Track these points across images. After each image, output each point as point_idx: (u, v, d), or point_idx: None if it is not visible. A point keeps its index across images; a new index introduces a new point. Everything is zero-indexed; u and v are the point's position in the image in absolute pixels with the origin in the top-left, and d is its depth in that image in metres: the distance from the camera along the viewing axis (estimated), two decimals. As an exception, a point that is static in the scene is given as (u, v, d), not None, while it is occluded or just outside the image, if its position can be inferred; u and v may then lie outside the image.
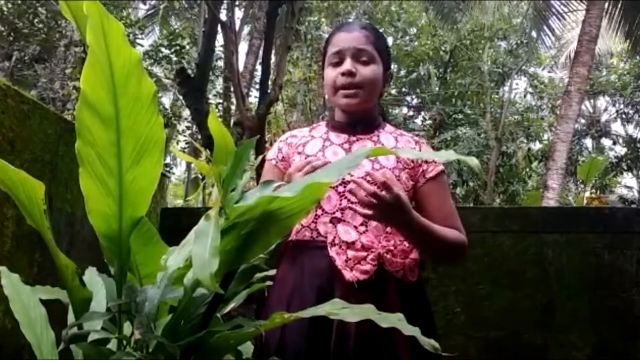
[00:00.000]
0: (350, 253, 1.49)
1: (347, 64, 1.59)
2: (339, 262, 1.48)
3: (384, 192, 1.40)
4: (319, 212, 1.54)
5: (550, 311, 3.16)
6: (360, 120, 1.67)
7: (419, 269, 1.62)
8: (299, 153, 1.65)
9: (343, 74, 1.59)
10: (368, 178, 1.44)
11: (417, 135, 1.79)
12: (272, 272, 1.60)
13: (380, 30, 1.80)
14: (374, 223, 1.52)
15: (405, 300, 1.50)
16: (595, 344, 3.09)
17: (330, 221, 1.53)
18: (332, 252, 1.50)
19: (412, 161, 1.61)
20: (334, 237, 1.51)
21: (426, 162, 1.62)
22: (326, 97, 1.75)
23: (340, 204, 1.54)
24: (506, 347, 3.12)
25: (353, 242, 1.49)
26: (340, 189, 1.54)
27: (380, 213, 1.41)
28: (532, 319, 3.15)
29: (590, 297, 3.15)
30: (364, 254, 1.49)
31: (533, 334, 3.13)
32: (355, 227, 1.51)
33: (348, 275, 1.46)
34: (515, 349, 3.12)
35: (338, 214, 1.53)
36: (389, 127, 1.72)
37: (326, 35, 1.80)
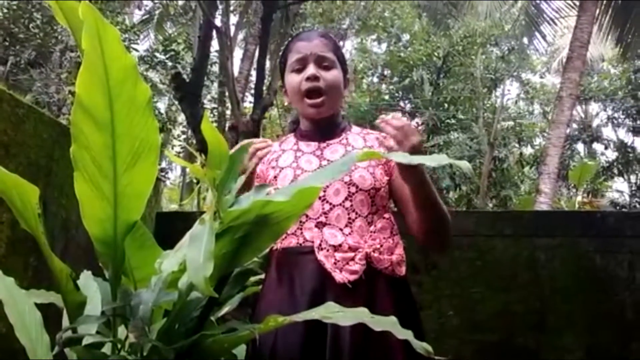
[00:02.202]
0: (338, 255, 1.50)
1: (311, 69, 1.64)
2: (328, 265, 1.49)
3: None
4: (303, 218, 1.56)
5: (543, 314, 3.17)
6: (327, 126, 1.71)
7: (411, 271, 1.63)
8: (273, 168, 1.68)
9: (308, 79, 1.63)
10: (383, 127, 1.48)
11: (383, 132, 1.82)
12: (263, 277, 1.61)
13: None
14: (358, 224, 1.54)
15: (395, 296, 1.52)
16: (588, 347, 3.10)
17: (316, 226, 1.54)
18: (320, 256, 1.51)
19: None
20: (321, 241, 1.52)
21: None
22: (286, 102, 1.78)
23: (322, 209, 1.55)
24: (499, 350, 3.13)
25: (340, 245, 1.51)
26: (321, 193, 1.56)
27: (406, 142, 1.44)
28: (525, 322, 3.17)
29: (582, 300, 3.17)
30: (352, 254, 1.51)
31: (526, 337, 3.15)
32: (341, 229, 1.53)
33: (338, 277, 1.47)
34: (509, 352, 3.13)
35: (322, 218, 1.55)
36: (355, 128, 1.76)
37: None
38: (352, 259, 1.51)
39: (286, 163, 1.65)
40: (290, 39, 1.80)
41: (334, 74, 1.66)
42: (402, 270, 1.59)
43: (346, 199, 1.55)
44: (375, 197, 1.58)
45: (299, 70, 1.66)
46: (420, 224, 1.57)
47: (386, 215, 1.61)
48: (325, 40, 1.69)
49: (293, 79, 1.67)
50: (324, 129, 1.70)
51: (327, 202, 1.55)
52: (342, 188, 1.56)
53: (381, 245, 1.54)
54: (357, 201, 1.55)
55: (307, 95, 1.64)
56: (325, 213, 1.54)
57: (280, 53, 1.80)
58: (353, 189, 1.56)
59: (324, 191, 1.56)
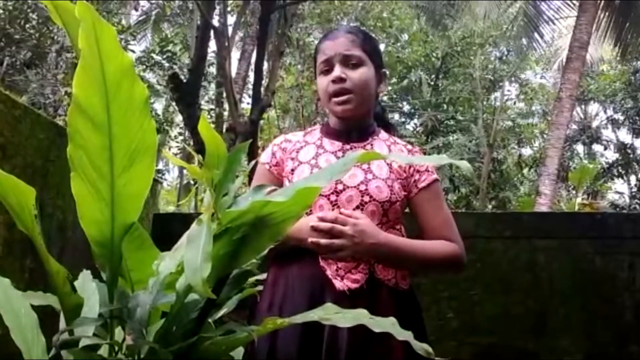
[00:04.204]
0: (341, 263, 1.48)
1: (337, 71, 1.60)
2: (330, 271, 1.47)
3: (341, 227, 1.42)
4: None
5: (542, 317, 3.16)
6: (355, 128, 1.67)
7: (411, 276, 1.62)
8: (292, 159, 1.64)
9: (333, 81, 1.60)
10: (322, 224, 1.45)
11: (410, 143, 1.79)
12: (264, 276, 1.60)
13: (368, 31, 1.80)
14: None
15: (398, 308, 1.48)
16: (587, 350, 3.10)
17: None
18: (323, 262, 1.49)
19: (405, 171, 1.61)
20: None
21: (419, 171, 1.61)
22: (321, 104, 1.77)
23: None
24: (498, 353, 3.12)
25: None
26: (333, 198, 1.54)
27: (348, 246, 1.42)
28: (524, 325, 3.16)
29: (582, 303, 3.16)
30: (355, 263, 1.49)
31: (525, 340, 3.14)
32: None
33: (338, 284, 1.46)
34: (508, 354, 3.12)
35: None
36: (383, 134, 1.71)
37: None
38: (355, 267, 1.49)
39: (306, 158, 1.62)
40: (320, 38, 1.77)
41: (361, 72, 1.61)
42: (406, 283, 1.57)
43: (357, 207, 1.52)
44: (388, 210, 1.54)
45: (326, 72, 1.63)
46: None
47: (397, 227, 1.58)
48: (351, 36, 1.64)
49: (321, 82, 1.64)
50: (352, 130, 1.66)
51: (338, 208, 1.52)
52: (355, 196, 1.53)
53: None
54: (368, 211, 1.52)
55: (334, 96, 1.61)
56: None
57: (314, 52, 1.77)
58: (367, 198, 1.53)
59: (337, 196, 1.53)
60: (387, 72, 1.77)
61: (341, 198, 1.53)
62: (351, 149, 1.63)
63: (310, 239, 1.42)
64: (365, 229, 1.43)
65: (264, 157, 1.71)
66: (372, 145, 1.65)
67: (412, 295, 1.59)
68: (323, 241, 1.41)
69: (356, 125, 1.67)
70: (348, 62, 1.61)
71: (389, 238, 1.49)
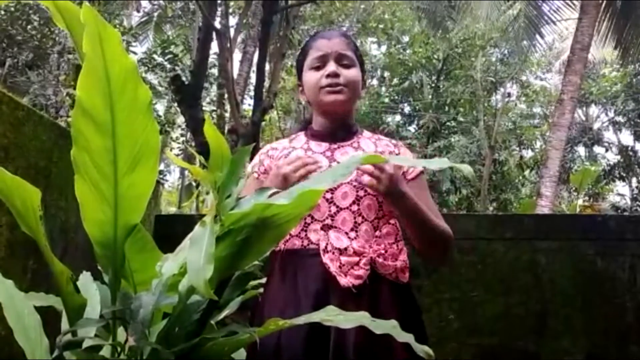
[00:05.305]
0: (344, 259, 1.49)
1: (332, 66, 1.63)
2: (333, 268, 1.48)
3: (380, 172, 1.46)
4: (309, 220, 1.55)
5: (543, 318, 3.17)
6: (340, 127, 1.69)
7: (411, 275, 1.62)
8: None
9: (328, 75, 1.62)
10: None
11: (394, 139, 1.81)
12: (265, 279, 1.60)
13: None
14: (363, 228, 1.54)
15: (398, 302, 1.51)
16: (588, 351, 3.10)
17: (322, 228, 1.53)
18: (326, 259, 1.50)
19: None
20: (327, 244, 1.51)
21: None
22: (303, 100, 1.77)
23: (329, 211, 1.54)
24: (499, 354, 3.12)
25: (345, 248, 1.50)
26: (328, 195, 1.55)
27: (383, 183, 1.45)
28: (525, 326, 3.16)
29: (583, 304, 3.16)
30: (357, 259, 1.49)
31: (526, 341, 3.14)
32: (346, 233, 1.52)
33: (343, 281, 1.46)
34: (509, 355, 3.12)
35: (328, 221, 1.54)
36: (366, 133, 1.75)
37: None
38: (357, 263, 1.49)
39: None
40: (311, 37, 1.78)
41: (354, 72, 1.65)
42: (406, 276, 1.58)
43: (353, 202, 1.54)
44: (382, 203, 1.56)
45: (318, 68, 1.65)
46: (414, 240, 1.58)
47: (392, 221, 1.60)
48: (345, 39, 1.69)
49: (312, 76, 1.66)
50: (337, 130, 1.68)
51: (335, 204, 1.54)
52: (350, 191, 1.55)
53: (386, 251, 1.53)
54: (364, 205, 1.54)
55: (326, 88, 1.63)
56: (331, 216, 1.54)
57: (299, 52, 1.78)
58: (361, 193, 1.55)
59: (332, 193, 1.55)
60: (366, 81, 1.79)
61: (337, 194, 1.55)
62: (338, 147, 1.66)
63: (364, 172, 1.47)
64: (399, 178, 1.49)
65: (252, 166, 1.72)
66: (358, 142, 1.68)
67: (410, 288, 1.61)
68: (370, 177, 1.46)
69: (340, 125, 1.69)
70: (342, 61, 1.65)
71: (411, 194, 1.52)
